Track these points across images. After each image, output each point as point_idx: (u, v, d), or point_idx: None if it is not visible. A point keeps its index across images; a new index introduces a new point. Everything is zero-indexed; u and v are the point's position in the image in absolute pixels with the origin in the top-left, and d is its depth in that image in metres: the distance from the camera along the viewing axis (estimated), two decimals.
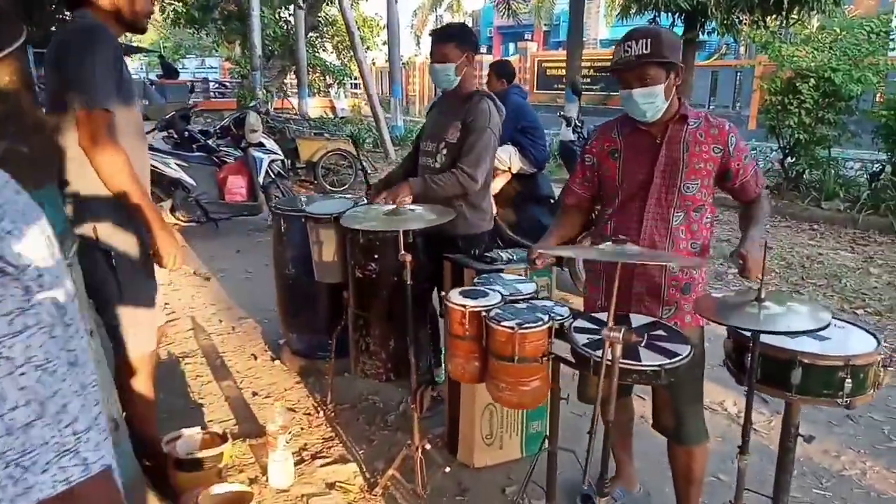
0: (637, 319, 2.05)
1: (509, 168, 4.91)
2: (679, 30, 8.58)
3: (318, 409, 3.20)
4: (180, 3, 17.48)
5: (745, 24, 8.21)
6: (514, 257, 2.81)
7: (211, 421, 3.06)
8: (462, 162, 2.79)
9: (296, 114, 13.57)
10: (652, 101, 2.00)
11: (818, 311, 1.77)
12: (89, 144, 1.97)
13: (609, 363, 1.59)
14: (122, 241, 2.18)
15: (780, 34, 8.53)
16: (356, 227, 2.31)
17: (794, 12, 7.52)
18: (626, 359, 1.76)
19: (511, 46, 32.50)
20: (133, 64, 45.78)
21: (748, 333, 1.83)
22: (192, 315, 4.45)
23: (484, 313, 1.89)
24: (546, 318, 1.82)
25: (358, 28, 20.67)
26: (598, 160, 2.22)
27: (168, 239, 2.12)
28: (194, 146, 7.05)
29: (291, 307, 3.55)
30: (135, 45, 35.69)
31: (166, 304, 4.58)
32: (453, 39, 2.84)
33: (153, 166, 5.94)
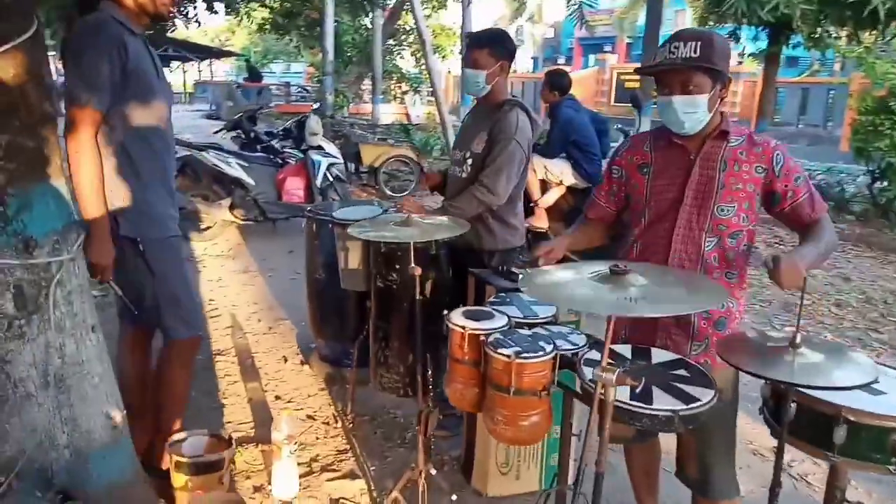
0: (659, 355, 1.85)
1: (561, 181, 4.72)
2: (762, 44, 8.14)
3: (337, 418, 3.12)
4: (266, 10, 18.12)
5: (838, 38, 7.68)
6: None
7: (229, 422, 3.04)
8: (482, 175, 2.67)
9: (367, 120, 13.73)
10: (693, 112, 1.80)
11: (862, 363, 1.52)
12: (67, 137, 2.02)
13: (602, 402, 1.41)
14: (145, 226, 2.23)
15: (876, 50, 7.91)
16: (360, 237, 2.20)
17: (893, 26, 6.96)
18: (636, 400, 1.58)
19: (591, 58, 31.96)
20: (224, 66, 48.11)
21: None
22: (233, 312, 4.49)
23: (483, 337, 1.74)
24: (549, 347, 1.66)
25: (435, 36, 20.86)
26: (627, 173, 2.04)
27: (100, 251, 2.09)
28: (259, 147, 7.23)
29: (320, 313, 3.49)
30: (226, 49, 37.46)
31: (211, 300, 4.66)
32: (488, 46, 2.72)
33: (215, 165, 6.12)
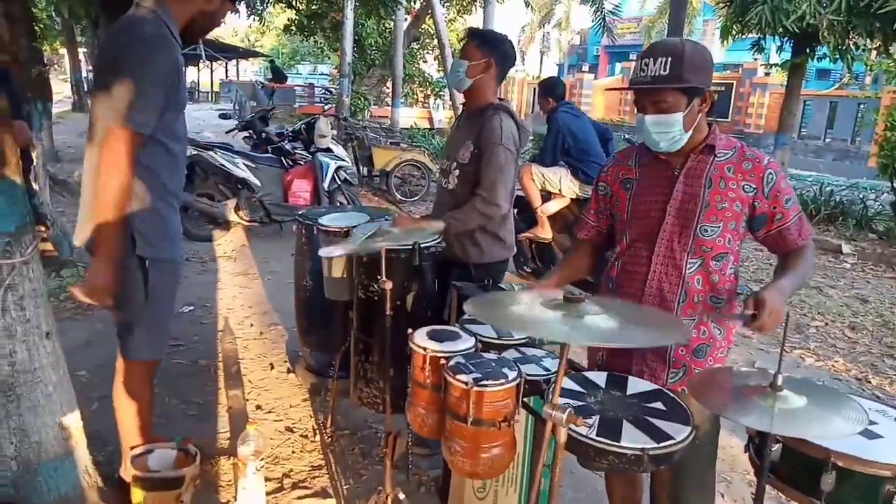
0: (637, 385, 1.72)
1: (560, 190, 4.58)
2: (786, 54, 7.91)
3: (316, 432, 3.02)
4: (292, 11, 18.21)
5: (866, 50, 7.43)
6: None
7: (205, 433, 2.95)
8: (479, 189, 2.55)
9: (380, 123, 13.67)
10: (666, 131, 1.68)
11: (852, 411, 1.38)
12: (101, 148, 1.89)
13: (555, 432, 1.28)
14: (159, 246, 2.09)
15: None
16: (327, 254, 2.10)
17: None
18: (603, 436, 1.46)
19: (617, 67, 31.69)
20: (253, 67, 48.63)
21: None
22: (227, 316, 4.42)
23: (444, 360, 1.62)
24: (512, 374, 1.54)
25: (459, 41, 20.75)
26: (612, 190, 1.91)
27: (104, 272, 1.95)
28: (269, 148, 7.19)
29: (306, 321, 3.40)
30: (254, 49, 37.77)
31: (205, 304, 4.60)
32: (478, 39, 2.60)
33: (221, 165, 6.08)
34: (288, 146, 7.13)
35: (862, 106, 15.51)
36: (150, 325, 2.18)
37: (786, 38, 7.42)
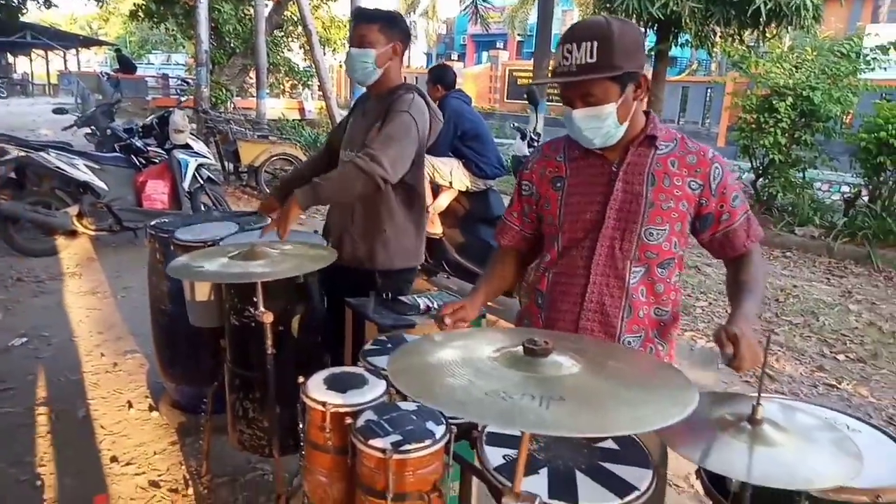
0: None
1: (451, 183, 4.31)
2: (651, 41, 8.13)
3: (189, 483, 2.54)
4: None
5: (721, 37, 7.79)
6: (435, 304, 2.20)
7: (45, 501, 2.39)
8: (366, 143, 2.20)
9: (240, 114, 12.81)
10: (598, 126, 1.43)
11: (840, 442, 1.18)
12: None
13: None
14: None
15: (754, 51, 8.10)
16: (184, 278, 1.67)
17: (772, 27, 7.11)
18: (556, 498, 1.17)
19: (484, 55, 32.19)
20: (97, 57, 44.58)
21: None
22: (70, 345, 3.74)
23: (349, 420, 1.26)
24: (441, 429, 1.21)
25: (325, 28, 20.03)
26: (538, 190, 1.63)
27: None
28: (117, 146, 6.34)
29: (168, 351, 2.88)
30: (96, 37, 34.55)
31: (42, 333, 3.88)
32: (380, 21, 2.25)
33: (57, 168, 5.24)
34: (139, 143, 6.31)
35: (710, 90, 16.67)
36: None
37: (650, 25, 7.61)
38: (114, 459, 2.67)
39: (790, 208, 7.43)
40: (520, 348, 0.95)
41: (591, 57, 1.37)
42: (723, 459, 1.16)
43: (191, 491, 2.50)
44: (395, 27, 2.31)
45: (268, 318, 1.71)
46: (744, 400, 1.25)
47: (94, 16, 39.42)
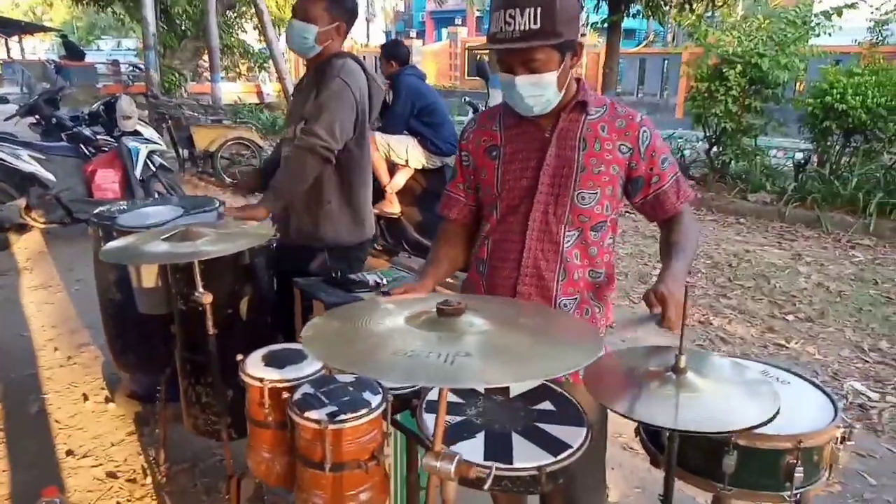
0: (518, 387, 1.48)
1: (407, 161, 4.30)
2: (603, 13, 8.19)
3: (147, 472, 2.53)
4: None
5: (671, 7, 7.87)
6: (384, 280, 2.21)
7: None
8: (306, 122, 2.19)
9: (193, 99, 12.52)
10: (540, 94, 1.44)
11: (758, 385, 1.24)
12: None
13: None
14: None
15: (707, 21, 8.20)
16: (118, 262, 1.65)
17: None
18: (492, 459, 1.20)
19: (444, 32, 31.94)
20: (43, 44, 42.96)
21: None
22: (23, 342, 3.66)
23: (286, 394, 1.27)
24: (377, 399, 1.23)
25: (278, 8, 19.58)
26: (475, 160, 1.65)
27: None
28: (63, 135, 6.15)
29: (120, 341, 2.84)
30: (41, 23, 33.30)
31: None
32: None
33: (1, 159, 5.07)
34: (87, 132, 6.14)
35: (666, 62, 16.83)
36: None
37: None
38: (69, 453, 2.65)
39: (743, 175, 7.59)
40: (434, 310, 0.97)
41: (535, 23, 1.37)
42: (651, 410, 1.20)
43: (149, 480, 2.49)
44: (341, 5, 2.27)
45: (207, 298, 1.70)
46: (671, 352, 1.29)
47: (37, 0, 37.94)
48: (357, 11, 2.38)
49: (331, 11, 2.24)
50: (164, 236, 1.71)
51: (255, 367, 1.36)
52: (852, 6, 7.32)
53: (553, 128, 1.53)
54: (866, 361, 3.65)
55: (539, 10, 1.37)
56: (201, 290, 1.70)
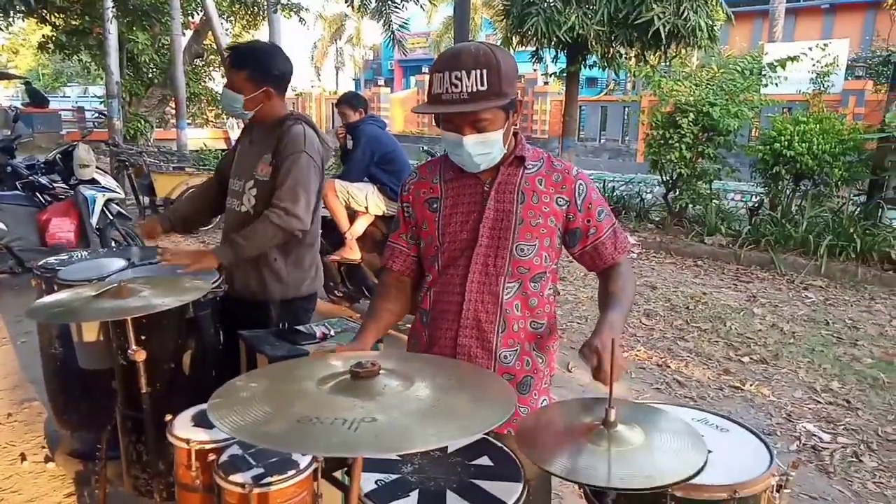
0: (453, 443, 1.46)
1: (367, 208, 4.32)
2: (562, 63, 8.44)
3: None
4: (49, 28, 16.03)
5: (628, 58, 8.15)
6: (332, 331, 2.19)
7: None
8: (275, 198, 2.20)
9: (155, 146, 12.49)
10: (488, 151, 1.48)
11: (688, 436, 1.24)
12: None
13: None
14: None
15: (663, 71, 8.52)
16: (47, 321, 1.60)
17: (672, 47, 7.51)
18: None
19: (412, 80, 32.60)
20: (7, 91, 42.53)
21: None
22: None
23: (212, 456, 1.24)
24: (305, 460, 1.20)
25: None
26: (416, 212, 1.66)
27: None
28: (18, 183, 6.04)
29: (62, 397, 2.74)
30: (5, 70, 33.07)
31: None
32: (246, 69, 2.24)
33: None
34: (44, 180, 6.04)
35: (627, 109, 17.37)
36: None
37: (560, 48, 7.90)
38: None
39: (700, 219, 7.78)
40: (347, 370, 0.96)
41: (482, 84, 1.41)
42: (585, 466, 1.19)
43: None
44: (265, 73, 2.28)
45: (140, 356, 1.66)
46: (603, 403, 1.29)
47: (2, 48, 37.70)
48: (289, 70, 2.36)
49: (253, 80, 2.25)
50: (96, 292, 1.67)
51: (183, 428, 1.32)
52: (794, 59, 7.69)
53: (492, 181, 1.55)
54: (818, 402, 3.70)
55: (485, 72, 1.41)
56: (134, 347, 1.66)
